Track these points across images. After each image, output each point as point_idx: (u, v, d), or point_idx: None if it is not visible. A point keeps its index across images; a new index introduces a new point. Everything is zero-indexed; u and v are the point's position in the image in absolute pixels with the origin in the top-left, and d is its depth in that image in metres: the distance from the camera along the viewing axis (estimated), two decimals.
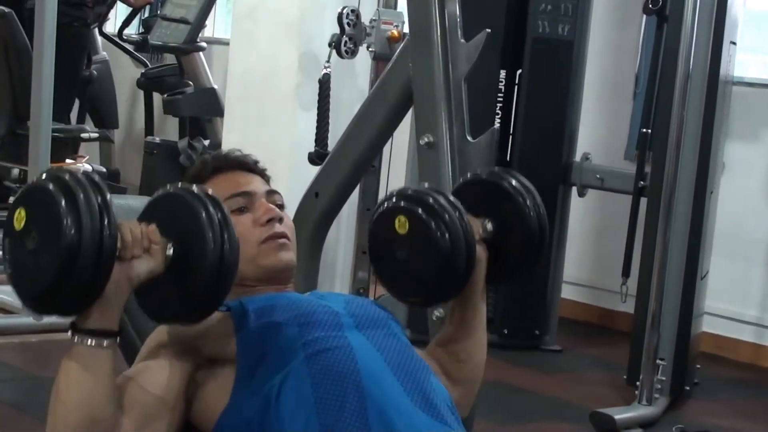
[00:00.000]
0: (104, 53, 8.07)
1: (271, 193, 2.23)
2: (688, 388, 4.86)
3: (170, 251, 1.86)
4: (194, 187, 1.90)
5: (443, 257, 2.11)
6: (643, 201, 4.94)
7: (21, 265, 1.79)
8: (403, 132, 4.47)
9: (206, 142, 7.13)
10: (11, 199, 5.92)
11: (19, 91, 6.19)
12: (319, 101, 5.03)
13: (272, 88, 5.49)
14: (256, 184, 2.23)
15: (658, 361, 4.58)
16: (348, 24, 5.07)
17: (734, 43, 4.92)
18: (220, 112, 6.77)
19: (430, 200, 2.14)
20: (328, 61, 5.02)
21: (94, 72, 7.62)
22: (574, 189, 5.60)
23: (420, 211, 2.13)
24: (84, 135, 6.98)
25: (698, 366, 5.06)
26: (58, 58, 5.05)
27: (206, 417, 2.00)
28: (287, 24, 5.49)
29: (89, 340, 1.82)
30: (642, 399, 4.57)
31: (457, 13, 3.53)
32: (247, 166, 2.26)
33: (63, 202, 1.74)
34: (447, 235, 2.10)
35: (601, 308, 6.25)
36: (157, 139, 7.70)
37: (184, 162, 6.95)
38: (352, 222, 5.56)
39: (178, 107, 7.42)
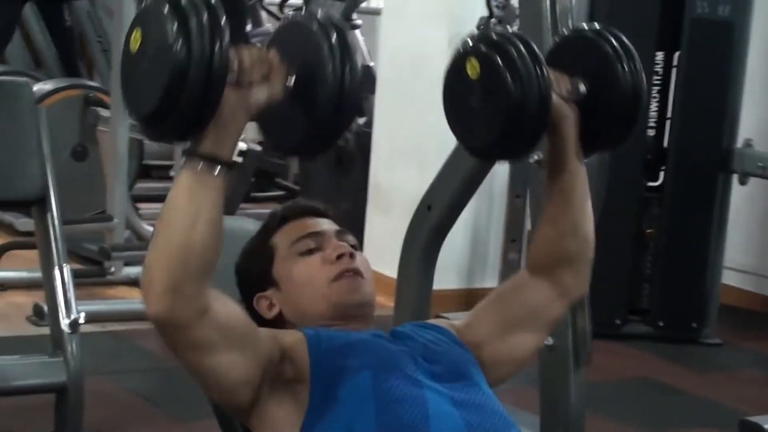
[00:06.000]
0: (268, 25, 8.08)
1: (342, 233, 2.19)
2: None
3: (291, 79, 1.84)
4: (318, 14, 1.89)
5: (512, 106, 2.00)
6: None
7: (136, 86, 1.80)
8: None
9: (361, 121, 7.07)
10: None
11: None
12: None
13: (422, 69, 5.44)
14: (325, 226, 2.19)
15: None
16: (497, 6, 4.98)
17: None
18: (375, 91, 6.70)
19: (509, 46, 2.02)
20: None
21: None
22: (735, 176, 5.35)
23: (493, 55, 2.02)
24: None
25: None
26: None
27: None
28: (437, 5, 5.47)
29: (200, 164, 1.79)
30: None
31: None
32: (316, 211, 2.23)
33: (174, 22, 1.74)
34: (519, 82, 1.99)
35: (766, 297, 5.99)
36: None
37: (340, 143, 6.91)
38: (503, 209, 5.52)
39: None
